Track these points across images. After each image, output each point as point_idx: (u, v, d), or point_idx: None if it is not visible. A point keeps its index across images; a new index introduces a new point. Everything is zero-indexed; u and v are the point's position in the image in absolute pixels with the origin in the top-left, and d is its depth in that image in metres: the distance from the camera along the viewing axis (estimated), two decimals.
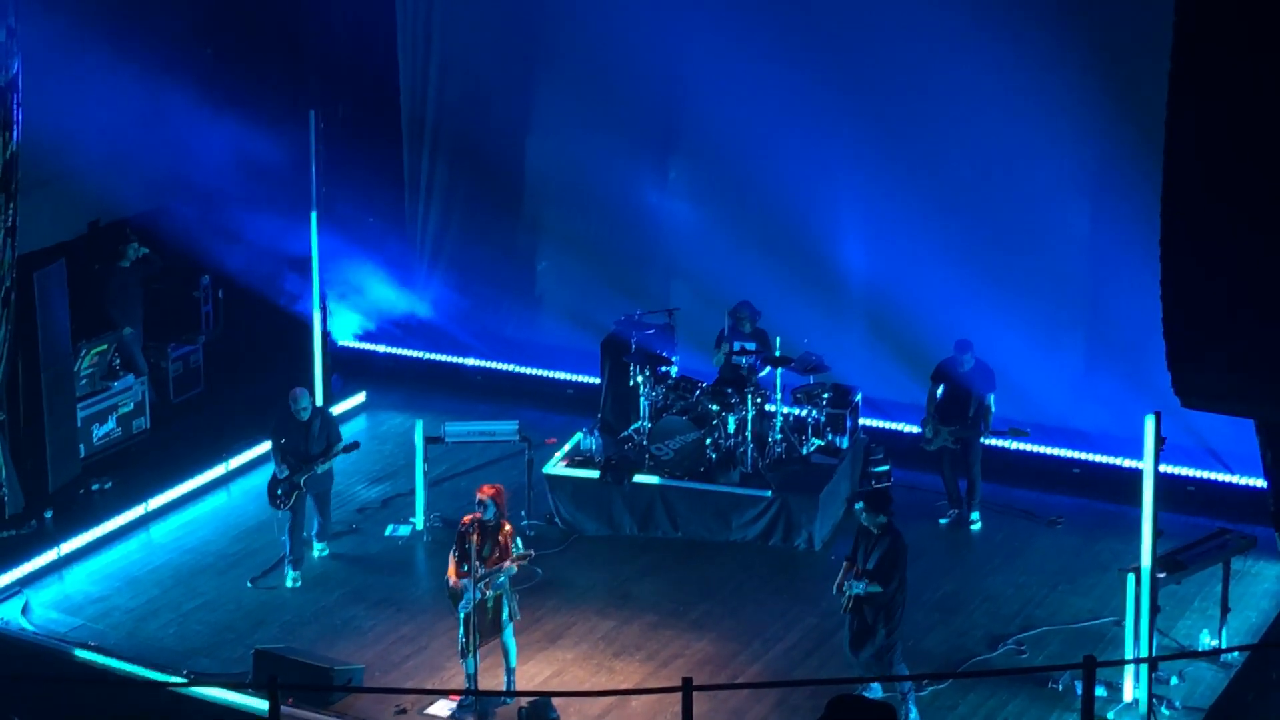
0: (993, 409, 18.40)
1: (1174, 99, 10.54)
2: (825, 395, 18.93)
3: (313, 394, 18.26)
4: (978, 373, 18.36)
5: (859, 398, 19.28)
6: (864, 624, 15.06)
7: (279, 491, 17.57)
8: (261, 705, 14.96)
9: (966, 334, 18.42)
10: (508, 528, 15.37)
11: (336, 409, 21.28)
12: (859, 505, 15.38)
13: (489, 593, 15.18)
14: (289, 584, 17.59)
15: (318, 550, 18.01)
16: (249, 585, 17.68)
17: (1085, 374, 19.56)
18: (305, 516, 17.77)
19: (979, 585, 17.62)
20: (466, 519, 15.38)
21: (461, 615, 15.22)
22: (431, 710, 15.47)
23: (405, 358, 22.64)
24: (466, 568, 15.13)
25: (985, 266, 19.33)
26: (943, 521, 18.76)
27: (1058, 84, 18.51)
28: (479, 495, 15.37)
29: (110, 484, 19.40)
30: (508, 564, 15.15)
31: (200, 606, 17.39)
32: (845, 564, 15.25)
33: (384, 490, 19.58)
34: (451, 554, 15.42)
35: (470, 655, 15.23)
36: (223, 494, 19.76)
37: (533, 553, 15.56)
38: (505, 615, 15.33)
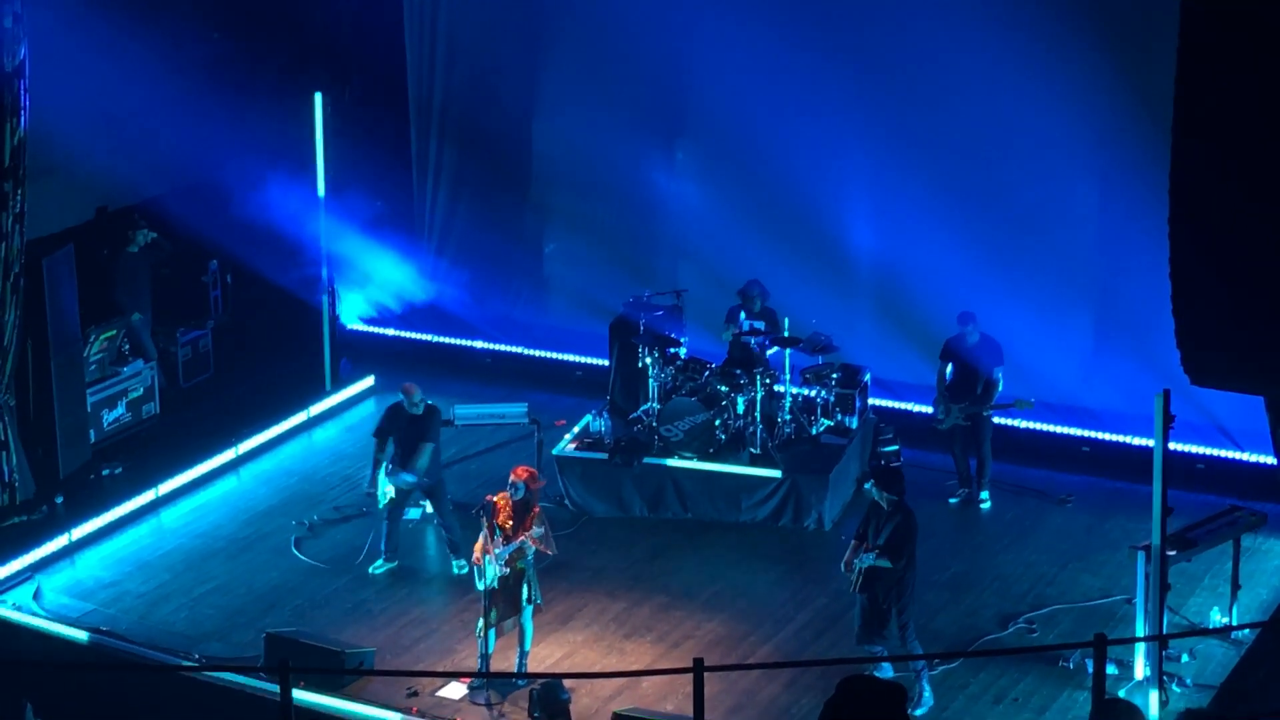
0: (1000, 383, 18.38)
1: (1183, 78, 10.53)
2: (834, 375, 18.92)
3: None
4: (984, 347, 18.34)
5: (868, 378, 19.26)
6: (874, 602, 15.07)
7: (389, 491, 17.34)
8: (273, 689, 14.98)
9: (976, 313, 18.38)
10: (537, 510, 15.43)
11: (345, 393, 21.38)
12: (869, 482, 15.39)
13: (507, 569, 15.23)
14: (371, 570, 17.53)
15: (456, 567, 17.44)
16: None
17: (1094, 352, 19.55)
18: (401, 516, 17.63)
19: (989, 564, 17.63)
20: (498, 497, 15.45)
21: (483, 590, 15.26)
22: (443, 693, 15.50)
23: (414, 341, 22.63)
24: (491, 544, 15.23)
25: (994, 246, 19.32)
26: (953, 501, 18.76)
27: (1066, 63, 18.48)
28: (511, 476, 15.47)
29: (120, 469, 19.43)
30: (522, 536, 15.20)
31: (211, 591, 17.42)
32: (854, 541, 15.26)
33: None
34: (483, 530, 15.51)
35: (489, 631, 15.26)
36: (233, 478, 19.79)
37: (539, 534, 15.57)
38: (524, 597, 15.37)
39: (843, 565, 15.27)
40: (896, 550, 14.94)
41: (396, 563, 17.60)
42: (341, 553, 17.99)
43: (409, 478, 17.31)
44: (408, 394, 17.52)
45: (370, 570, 17.55)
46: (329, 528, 18.52)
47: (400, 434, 17.44)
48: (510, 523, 15.32)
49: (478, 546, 15.41)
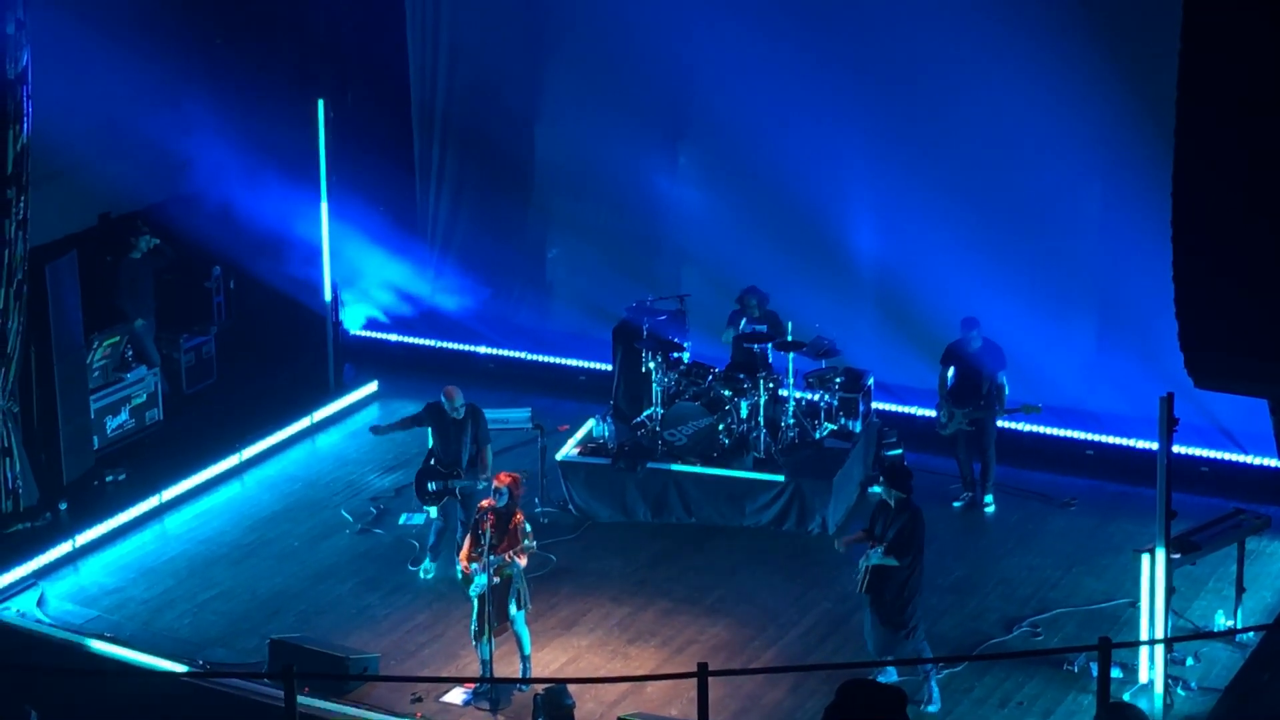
0: (1006, 387, 18.38)
1: (1185, 79, 10.52)
2: (837, 379, 18.91)
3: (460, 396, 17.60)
4: (987, 351, 18.34)
5: (871, 381, 19.26)
6: (880, 603, 15.06)
7: (430, 488, 17.35)
8: (278, 695, 14.97)
9: (979, 316, 18.38)
10: (518, 517, 15.41)
11: (348, 398, 21.37)
12: (878, 482, 15.41)
13: (497, 579, 15.22)
14: (422, 574, 17.54)
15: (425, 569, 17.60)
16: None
17: (1098, 355, 19.54)
18: (454, 520, 17.45)
19: (993, 568, 17.62)
20: (483, 504, 15.45)
21: (475, 598, 15.26)
22: (447, 698, 15.51)
23: (417, 346, 22.61)
24: (478, 552, 15.20)
25: (997, 248, 19.30)
26: (956, 505, 18.75)
27: (1068, 65, 18.47)
28: (495, 483, 15.43)
29: (124, 475, 19.41)
30: (509, 556, 15.17)
31: (215, 597, 17.42)
32: (860, 533, 15.32)
33: (397, 479, 19.56)
34: (466, 538, 15.52)
35: (484, 640, 15.27)
36: (236, 484, 19.78)
37: (534, 545, 15.55)
38: (513, 604, 15.34)
39: (838, 544, 15.30)
40: (903, 548, 14.95)
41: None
42: (342, 559, 18.00)
43: (473, 484, 17.19)
44: (449, 397, 17.38)
45: (421, 574, 17.52)
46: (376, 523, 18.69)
47: (444, 435, 17.39)
48: (494, 533, 15.26)
49: (463, 555, 15.41)
